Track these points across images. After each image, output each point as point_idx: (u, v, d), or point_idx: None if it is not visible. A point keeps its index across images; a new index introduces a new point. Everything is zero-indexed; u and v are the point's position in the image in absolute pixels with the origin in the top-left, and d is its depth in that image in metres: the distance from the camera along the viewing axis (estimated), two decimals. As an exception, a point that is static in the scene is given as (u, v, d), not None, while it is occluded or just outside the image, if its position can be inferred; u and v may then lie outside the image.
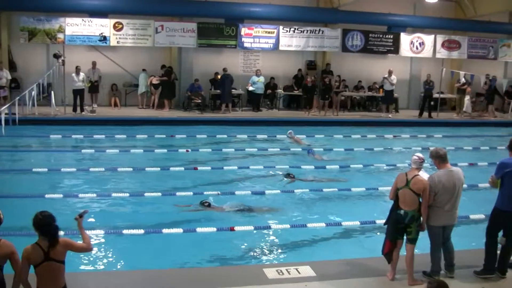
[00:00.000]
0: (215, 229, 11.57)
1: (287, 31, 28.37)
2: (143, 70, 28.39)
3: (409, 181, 8.58)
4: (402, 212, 8.62)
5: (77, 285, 8.17)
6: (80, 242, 6.76)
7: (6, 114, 17.86)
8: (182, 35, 27.15)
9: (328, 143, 22.09)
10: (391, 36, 30.07)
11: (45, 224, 6.34)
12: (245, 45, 28.26)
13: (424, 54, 30.81)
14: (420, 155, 8.80)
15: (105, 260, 10.31)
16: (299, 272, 9.01)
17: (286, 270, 9.07)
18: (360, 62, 31.70)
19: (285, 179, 16.18)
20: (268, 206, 13.75)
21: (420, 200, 8.60)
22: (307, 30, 28.64)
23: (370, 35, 29.66)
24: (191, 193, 14.23)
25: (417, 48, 30.43)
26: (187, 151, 19.43)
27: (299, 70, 30.84)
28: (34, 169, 16.24)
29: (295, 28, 28.46)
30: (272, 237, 11.67)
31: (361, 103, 32.01)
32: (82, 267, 9.83)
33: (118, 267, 9.88)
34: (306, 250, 11.05)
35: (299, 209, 13.72)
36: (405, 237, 8.79)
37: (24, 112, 21.83)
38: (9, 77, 25.55)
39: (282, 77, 30.91)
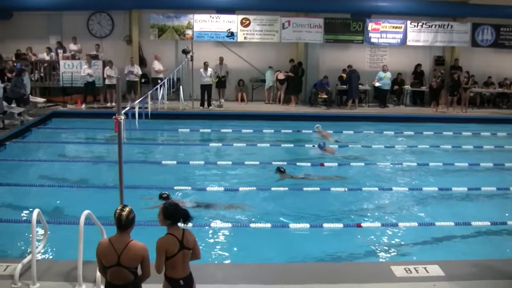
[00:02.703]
0: (341, 225, 11.67)
1: (415, 26, 27.89)
2: (270, 67, 28.67)
3: (545, 182, 8.30)
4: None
5: (206, 275, 8.41)
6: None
7: (139, 108, 18.49)
8: (308, 30, 27.24)
9: (456, 141, 21.52)
10: (524, 30, 28.95)
11: (175, 213, 6.48)
12: (372, 40, 28.00)
13: (560, 48, 29.43)
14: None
15: (232, 253, 10.57)
16: (427, 271, 8.86)
17: (414, 268, 8.95)
18: (490, 57, 30.54)
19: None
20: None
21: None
22: (435, 25, 28.01)
23: (502, 29, 28.60)
24: (318, 188, 14.26)
25: (552, 41, 29.17)
26: (314, 146, 19.48)
27: (418, 65, 30.16)
28: (163, 162, 16.80)
29: (423, 23, 27.92)
30: (399, 235, 11.57)
31: (491, 99, 30.95)
32: (211, 258, 10.12)
33: (245, 259, 10.01)
34: (434, 249, 10.90)
35: (427, 207, 13.54)
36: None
37: (155, 106, 22.53)
38: (140, 73, 26.45)
39: (409, 73, 30.36)
